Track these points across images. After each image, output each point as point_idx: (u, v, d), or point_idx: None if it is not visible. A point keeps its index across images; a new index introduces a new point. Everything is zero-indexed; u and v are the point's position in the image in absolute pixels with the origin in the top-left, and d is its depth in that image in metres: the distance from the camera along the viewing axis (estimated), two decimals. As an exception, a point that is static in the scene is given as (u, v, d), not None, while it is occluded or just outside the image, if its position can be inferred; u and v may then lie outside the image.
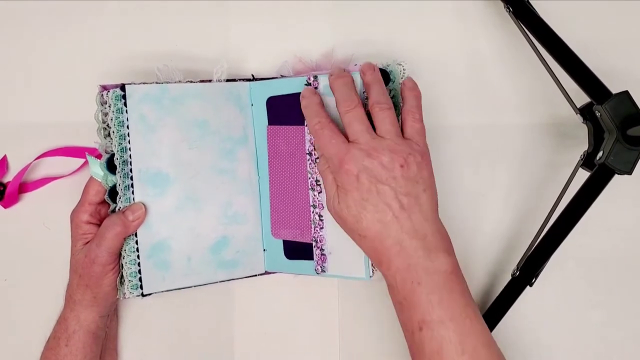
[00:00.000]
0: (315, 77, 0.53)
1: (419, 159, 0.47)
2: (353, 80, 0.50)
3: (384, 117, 0.48)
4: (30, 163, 0.58)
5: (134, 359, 0.58)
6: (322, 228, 0.53)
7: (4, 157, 0.58)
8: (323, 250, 0.53)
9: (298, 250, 0.55)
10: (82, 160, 0.58)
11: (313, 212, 0.54)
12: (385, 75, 0.53)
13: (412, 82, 0.51)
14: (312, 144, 0.53)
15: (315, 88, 0.53)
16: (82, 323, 0.51)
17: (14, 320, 0.58)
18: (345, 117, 0.48)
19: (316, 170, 0.53)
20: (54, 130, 0.58)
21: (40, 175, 0.59)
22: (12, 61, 0.59)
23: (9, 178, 0.58)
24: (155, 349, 0.58)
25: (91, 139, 0.55)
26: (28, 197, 0.59)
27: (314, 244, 0.54)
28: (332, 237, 0.53)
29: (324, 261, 0.53)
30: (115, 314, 0.57)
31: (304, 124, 0.53)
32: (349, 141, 0.48)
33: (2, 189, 0.58)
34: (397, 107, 0.53)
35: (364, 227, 0.46)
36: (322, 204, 0.53)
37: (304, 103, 0.51)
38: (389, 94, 0.53)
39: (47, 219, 0.58)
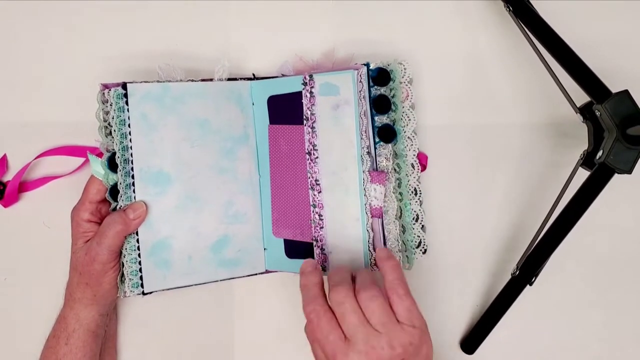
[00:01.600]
0: (311, 76, 0.53)
1: (417, 342, 0.44)
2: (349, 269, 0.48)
3: (374, 309, 0.44)
4: (30, 162, 0.58)
5: (134, 358, 0.58)
6: (322, 227, 0.53)
7: (4, 156, 0.58)
8: (323, 249, 0.53)
9: (299, 250, 0.55)
10: (82, 160, 0.58)
11: (313, 211, 0.54)
12: (386, 74, 0.53)
13: (385, 252, 0.49)
14: (310, 143, 0.53)
15: (312, 87, 0.53)
16: (82, 321, 0.51)
17: (14, 319, 0.58)
18: (338, 308, 0.45)
19: (315, 170, 0.53)
20: (54, 129, 0.58)
21: (40, 175, 0.59)
22: (12, 60, 0.59)
23: (8, 177, 0.58)
24: (155, 347, 0.58)
25: (92, 138, 0.55)
26: (28, 196, 0.59)
27: (314, 243, 0.54)
28: (332, 237, 0.53)
29: (324, 260, 0.53)
30: (115, 313, 0.57)
31: (303, 124, 0.53)
32: (343, 333, 0.44)
33: (2, 188, 0.58)
34: (397, 106, 0.54)
35: None
36: (321, 204, 0.53)
37: (302, 281, 0.47)
38: (389, 93, 0.53)
39: (47, 218, 0.58)
